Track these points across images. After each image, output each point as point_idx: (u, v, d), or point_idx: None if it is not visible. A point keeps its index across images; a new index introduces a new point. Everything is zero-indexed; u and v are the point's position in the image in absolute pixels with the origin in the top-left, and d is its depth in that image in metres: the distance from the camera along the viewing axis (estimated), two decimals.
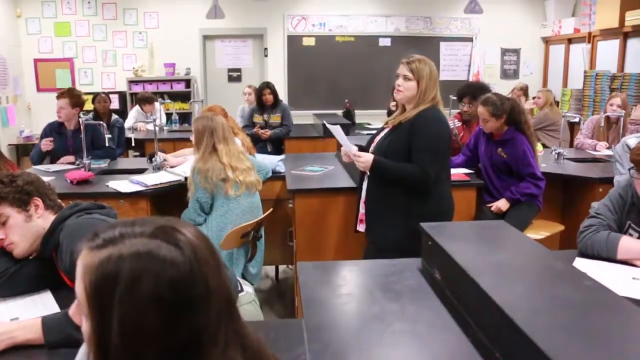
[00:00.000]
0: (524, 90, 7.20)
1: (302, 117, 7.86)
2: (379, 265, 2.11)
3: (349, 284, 1.98)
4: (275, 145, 6.04)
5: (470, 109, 4.19)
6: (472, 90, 4.27)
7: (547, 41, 8.93)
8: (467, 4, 7.30)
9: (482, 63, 8.97)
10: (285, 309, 3.95)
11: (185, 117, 8.23)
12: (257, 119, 6.07)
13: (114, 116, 5.71)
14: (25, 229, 1.89)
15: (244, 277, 3.32)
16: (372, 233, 2.88)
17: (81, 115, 4.51)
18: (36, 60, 8.46)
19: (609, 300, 1.41)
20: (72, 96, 4.39)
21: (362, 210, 2.93)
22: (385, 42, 8.81)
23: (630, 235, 2.21)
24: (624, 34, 6.82)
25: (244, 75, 8.92)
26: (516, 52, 9.09)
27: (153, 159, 4.26)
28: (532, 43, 9.03)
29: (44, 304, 1.86)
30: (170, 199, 3.75)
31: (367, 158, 2.73)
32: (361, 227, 2.95)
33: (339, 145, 2.91)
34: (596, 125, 5.03)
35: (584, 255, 2.20)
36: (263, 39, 8.78)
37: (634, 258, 2.10)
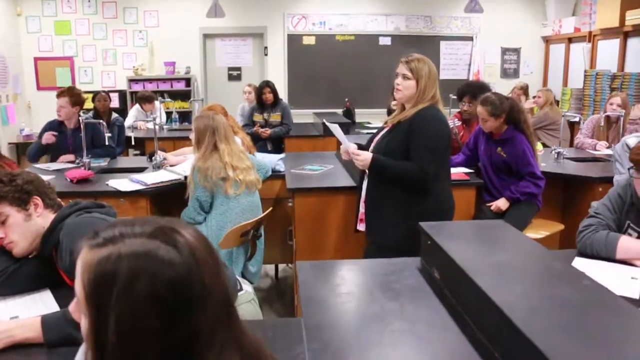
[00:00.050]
0: (524, 90, 7.20)
1: (302, 116, 7.86)
2: (379, 265, 2.11)
3: (348, 283, 1.98)
4: (275, 144, 6.04)
5: (470, 108, 4.19)
6: (472, 90, 4.27)
7: (547, 40, 8.93)
8: (467, 3, 7.28)
9: (483, 62, 8.97)
10: (285, 308, 3.95)
11: (185, 116, 8.23)
12: (257, 117, 6.07)
13: (114, 115, 5.71)
14: (24, 227, 1.89)
15: (243, 276, 3.33)
16: (371, 232, 2.88)
17: (81, 113, 4.51)
18: (36, 59, 8.46)
19: (608, 300, 1.42)
20: (72, 95, 4.40)
21: (362, 209, 2.93)
22: (385, 41, 8.81)
23: (630, 234, 2.21)
24: (624, 33, 6.82)
25: (244, 74, 8.92)
26: (516, 51, 9.09)
27: (153, 158, 4.26)
28: (533, 42, 9.02)
29: (44, 302, 1.86)
30: (170, 197, 3.75)
31: (366, 156, 2.73)
32: (361, 227, 2.95)
33: (339, 144, 2.91)
34: (596, 125, 5.03)
35: (583, 254, 2.20)
36: (263, 38, 8.78)
37: (633, 258, 2.10)
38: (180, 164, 4.09)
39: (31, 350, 1.53)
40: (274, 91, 6.05)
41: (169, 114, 7.66)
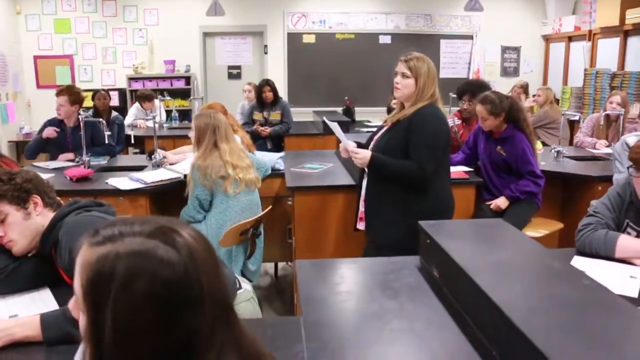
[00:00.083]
0: (524, 88, 7.20)
1: (302, 114, 7.85)
2: (378, 263, 2.11)
3: (348, 281, 1.98)
4: (275, 143, 6.04)
5: (470, 106, 4.18)
6: (472, 88, 4.26)
7: (547, 39, 8.92)
8: (467, 1, 7.28)
9: (483, 61, 8.97)
10: (285, 306, 3.96)
11: (185, 114, 8.23)
12: (257, 116, 6.07)
13: (114, 113, 5.72)
14: (24, 226, 1.89)
15: (243, 274, 3.33)
16: (371, 231, 2.89)
17: (81, 112, 4.51)
18: (36, 57, 8.45)
19: (606, 299, 1.42)
20: (71, 93, 4.39)
21: (361, 208, 2.93)
22: (385, 40, 8.80)
23: (629, 233, 2.22)
24: (624, 32, 6.81)
25: (244, 73, 8.91)
26: (516, 49, 9.09)
27: (152, 157, 4.26)
28: (533, 41, 9.02)
29: (43, 301, 1.87)
30: (169, 196, 3.75)
31: (365, 154, 2.74)
32: (361, 225, 2.95)
33: (339, 143, 2.91)
34: (596, 124, 5.03)
35: (582, 253, 2.20)
36: (263, 36, 8.77)
37: (631, 256, 2.10)
38: (180, 163, 4.09)
39: (30, 349, 1.53)
40: (273, 90, 6.05)
41: (168, 113, 7.66)
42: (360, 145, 2.87)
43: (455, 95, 4.47)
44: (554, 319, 1.29)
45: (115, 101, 8.08)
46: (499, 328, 1.32)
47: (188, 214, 3.31)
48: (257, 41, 8.89)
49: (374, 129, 3.10)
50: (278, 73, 8.58)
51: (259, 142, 5.74)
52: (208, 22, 8.37)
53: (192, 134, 3.41)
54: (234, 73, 8.97)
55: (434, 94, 2.73)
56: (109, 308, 0.79)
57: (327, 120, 2.95)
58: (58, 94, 4.40)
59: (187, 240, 0.85)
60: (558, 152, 4.43)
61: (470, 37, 8.94)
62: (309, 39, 8.73)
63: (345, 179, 3.55)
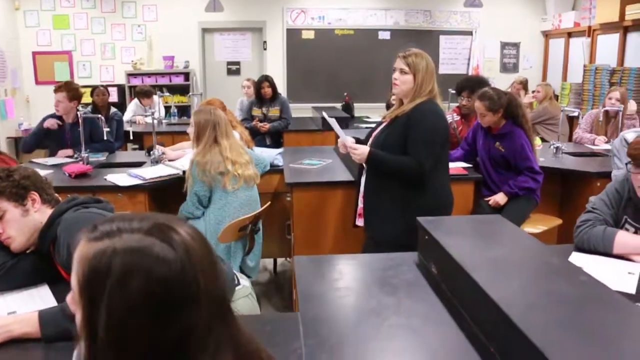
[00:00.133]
0: (524, 84, 7.20)
1: (301, 110, 7.85)
2: (376, 259, 2.12)
3: (346, 278, 1.99)
4: (274, 139, 6.04)
5: (469, 102, 4.18)
6: (471, 84, 4.26)
7: (547, 35, 8.91)
8: None
9: (482, 57, 8.96)
10: (283, 302, 3.96)
11: (184, 110, 8.22)
12: (256, 112, 6.06)
13: (113, 109, 5.71)
14: (22, 223, 1.89)
15: (241, 270, 3.33)
16: (370, 227, 2.89)
17: (80, 108, 4.50)
18: (34, 53, 8.44)
19: (604, 295, 1.42)
20: (70, 89, 4.38)
21: (360, 204, 2.93)
22: (384, 36, 8.79)
23: (627, 230, 2.22)
24: (624, 28, 6.80)
25: (243, 69, 8.90)
26: (516, 45, 9.08)
27: (151, 153, 4.25)
28: (532, 37, 9.01)
29: (42, 297, 1.87)
30: (168, 192, 3.74)
31: (363, 150, 2.73)
32: (360, 222, 2.95)
33: (338, 139, 2.91)
34: (595, 120, 5.03)
35: (581, 249, 2.20)
36: (262, 32, 8.76)
37: (629, 253, 2.10)
38: (180, 159, 4.08)
39: (29, 345, 1.53)
40: (272, 85, 6.04)
41: (167, 109, 7.64)
42: (358, 141, 2.87)
43: (454, 91, 4.46)
44: (551, 316, 1.30)
45: (114, 97, 8.07)
46: (496, 324, 1.32)
47: (187, 210, 3.31)
48: (256, 37, 8.87)
49: (373, 125, 3.10)
50: (277, 69, 8.57)
51: (258, 138, 5.73)
52: (207, 18, 8.35)
53: (190, 130, 3.40)
54: (233, 69, 8.96)
55: (432, 90, 2.73)
56: (104, 304, 0.79)
57: (325, 116, 2.95)
58: (56, 90, 4.39)
59: (184, 238, 0.85)
60: (557, 148, 4.43)
61: (470, 33, 8.93)
62: (308, 34, 8.71)
63: (344, 175, 3.55)
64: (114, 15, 8.47)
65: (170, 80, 8.50)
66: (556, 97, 7.61)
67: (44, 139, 4.48)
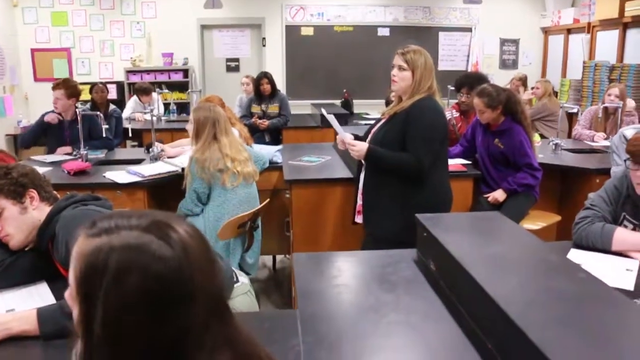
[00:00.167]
0: (523, 81, 7.19)
1: (300, 107, 7.84)
2: (375, 256, 2.12)
3: (345, 274, 1.99)
4: (273, 136, 6.04)
5: (468, 99, 4.18)
6: (470, 81, 4.26)
7: (546, 31, 8.90)
8: None
9: (481, 53, 8.95)
10: (283, 299, 3.96)
11: (183, 107, 8.22)
12: (255, 109, 6.06)
13: (112, 106, 5.70)
14: (20, 220, 1.89)
15: (241, 267, 3.33)
16: (368, 224, 2.89)
17: (78, 105, 4.49)
18: (33, 50, 8.42)
19: (602, 292, 1.42)
20: (68, 87, 4.37)
21: (359, 201, 2.93)
22: (383, 32, 8.78)
23: (625, 226, 2.22)
24: (623, 24, 6.80)
25: (242, 65, 8.89)
26: (515, 42, 9.07)
27: (150, 150, 4.25)
28: (531, 33, 9.00)
29: (40, 295, 1.87)
30: (167, 189, 3.74)
31: (362, 147, 2.73)
32: (359, 219, 2.95)
33: (336, 135, 2.91)
34: (594, 116, 5.03)
35: (579, 246, 2.20)
36: (261, 29, 8.75)
37: (628, 249, 2.10)
38: (179, 157, 4.08)
39: (27, 343, 1.53)
40: (271, 82, 6.03)
41: (166, 106, 7.64)
42: (357, 138, 2.86)
43: (453, 88, 4.46)
44: (549, 312, 1.30)
45: (113, 94, 8.06)
46: (494, 321, 1.32)
47: (186, 207, 3.31)
48: (255, 34, 8.86)
49: (372, 122, 3.10)
50: (276, 66, 8.56)
51: (257, 135, 5.73)
52: (206, 15, 8.34)
53: (189, 127, 3.40)
54: (232, 66, 8.95)
55: (431, 86, 2.72)
56: (100, 300, 0.79)
57: (324, 112, 2.94)
58: (54, 88, 4.38)
59: (182, 236, 0.85)
60: (556, 144, 4.43)
61: (469, 30, 8.92)
62: (307, 31, 8.70)
63: (343, 172, 3.54)
64: (112, 12, 8.45)
65: (169, 77, 8.49)
66: (555, 93, 7.60)
67: (43, 134, 4.47)
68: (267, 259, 4.59)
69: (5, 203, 1.86)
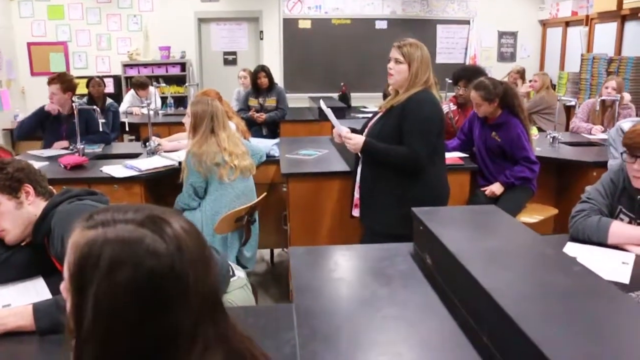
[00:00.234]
0: (521, 74, 7.17)
1: (297, 100, 7.83)
2: (371, 250, 2.12)
3: (341, 268, 1.99)
4: (271, 129, 6.03)
5: (466, 92, 4.17)
6: (468, 74, 4.25)
7: (544, 24, 8.88)
8: None
9: (479, 46, 8.92)
10: (281, 292, 3.97)
11: (180, 101, 8.20)
12: (253, 102, 6.05)
13: (109, 100, 5.69)
14: (16, 215, 1.89)
15: (238, 261, 3.34)
16: (365, 218, 2.89)
17: (75, 99, 4.47)
18: (29, 44, 8.38)
19: (597, 286, 1.42)
20: (63, 81, 4.35)
21: (357, 194, 2.93)
22: (381, 25, 8.75)
23: (621, 220, 2.22)
24: (621, 17, 6.78)
25: (240, 59, 8.86)
26: (513, 35, 9.04)
27: (147, 144, 4.24)
28: (530, 26, 8.97)
29: (36, 290, 1.87)
30: (164, 183, 3.74)
31: (358, 140, 2.73)
32: (356, 212, 2.95)
33: (333, 129, 2.90)
34: (591, 109, 5.02)
35: (576, 240, 2.21)
36: (259, 22, 8.71)
37: (624, 243, 2.11)
38: (178, 152, 4.07)
39: (23, 338, 1.53)
40: (269, 75, 6.02)
41: (164, 99, 7.61)
42: (354, 131, 2.86)
43: (451, 81, 4.45)
44: (544, 306, 1.30)
45: (110, 88, 8.03)
46: (489, 315, 1.32)
47: (183, 201, 3.31)
48: (252, 27, 8.83)
49: (370, 115, 3.09)
50: (274, 59, 8.53)
51: (255, 128, 5.73)
52: (203, 8, 8.30)
53: (186, 120, 3.38)
54: (230, 59, 8.92)
55: (428, 79, 2.72)
56: (92, 292, 0.79)
57: (322, 104, 2.93)
58: (50, 83, 4.35)
59: (177, 232, 0.84)
60: (553, 137, 4.43)
61: (467, 22, 8.89)
62: (305, 24, 8.67)
63: (341, 166, 3.54)
64: (109, 5, 8.41)
65: (167, 71, 8.46)
66: (553, 86, 7.59)
67: (40, 126, 4.43)
68: (265, 253, 4.59)
69: (1, 198, 1.86)
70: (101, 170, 3.64)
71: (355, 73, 8.63)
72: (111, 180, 3.51)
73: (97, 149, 4.42)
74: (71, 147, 4.29)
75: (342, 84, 8.03)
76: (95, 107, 4.45)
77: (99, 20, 8.44)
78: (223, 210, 3.19)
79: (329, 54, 8.69)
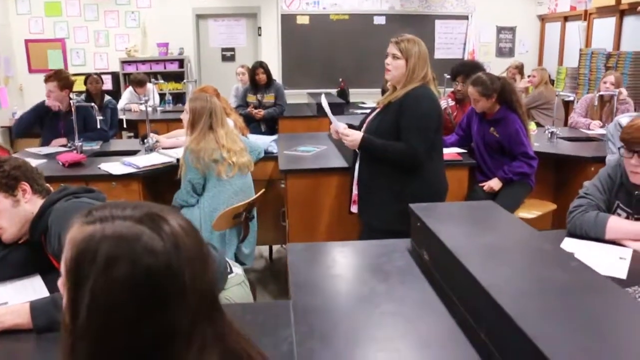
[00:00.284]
0: (520, 69, 7.17)
1: (296, 96, 7.81)
2: (369, 246, 2.12)
3: (339, 265, 1.99)
4: (269, 125, 6.02)
5: (464, 88, 4.17)
6: (466, 69, 4.25)
7: (542, 19, 8.86)
8: None
9: (478, 41, 8.90)
10: (280, 289, 3.97)
11: (178, 97, 8.18)
12: (251, 98, 6.04)
13: (107, 97, 5.67)
14: (13, 213, 1.88)
15: (237, 258, 3.34)
16: (364, 214, 2.89)
17: (73, 96, 4.46)
18: (27, 41, 8.35)
19: (594, 281, 1.42)
20: (60, 79, 4.33)
21: (355, 191, 2.93)
22: (379, 21, 8.73)
23: (619, 215, 2.22)
24: (620, 11, 6.76)
25: (238, 55, 8.84)
26: (512, 30, 9.03)
27: (145, 141, 4.24)
28: (528, 21, 8.96)
29: (34, 288, 1.87)
30: (162, 180, 3.74)
31: (356, 136, 2.73)
32: (354, 208, 2.95)
33: (331, 125, 2.90)
34: (590, 104, 5.02)
35: (573, 235, 2.21)
36: (257, 18, 8.69)
37: (621, 238, 2.11)
38: (176, 149, 4.06)
39: (20, 336, 1.53)
40: (267, 72, 6.01)
41: (162, 96, 7.61)
42: (352, 127, 2.85)
43: (449, 77, 4.44)
44: (541, 302, 1.30)
45: (108, 85, 8.02)
46: (487, 311, 1.32)
47: (181, 198, 3.30)
48: (250, 23, 8.81)
49: (368, 111, 3.09)
50: (272, 55, 8.51)
51: (253, 124, 5.71)
52: (201, 4, 8.28)
53: (185, 117, 3.37)
54: (228, 55, 8.90)
55: (425, 75, 2.71)
56: (87, 288, 0.78)
57: (323, 99, 2.90)
58: (47, 80, 4.34)
59: (175, 230, 0.84)
60: (552, 133, 4.42)
61: (466, 18, 8.86)
62: (303, 20, 8.65)
63: (339, 162, 3.54)
64: (107, 2, 8.38)
65: (165, 67, 8.44)
66: (552, 81, 7.58)
67: (39, 122, 4.42)
68: (264, 249, 4.59)
69: None
70: (99, 168, 3.64)
71: (354, 69, 8.61)
72: (109, 177, 3.51)
73: (95, 146, 4.41)
74: (69, 145, 4.28)
75: (340, 79, 8.02)
76: (93, 104, 4.44)
77: (97, 16, 8.41)
78: (221, 207, 3.19)
79: (327, 50, 8.67)
